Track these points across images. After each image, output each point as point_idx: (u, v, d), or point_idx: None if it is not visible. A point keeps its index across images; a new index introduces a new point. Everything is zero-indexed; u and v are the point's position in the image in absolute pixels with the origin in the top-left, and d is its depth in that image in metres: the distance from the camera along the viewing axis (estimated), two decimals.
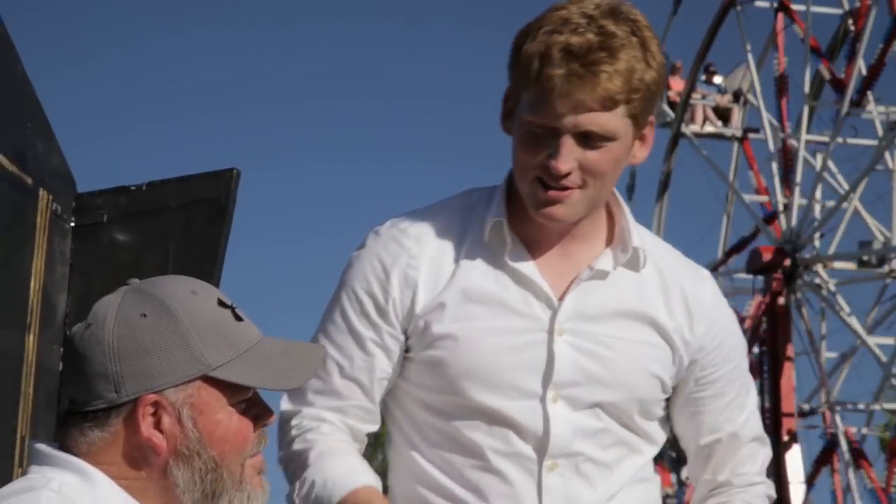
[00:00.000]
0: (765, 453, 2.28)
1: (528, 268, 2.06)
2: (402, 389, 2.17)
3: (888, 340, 17.91)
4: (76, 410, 1.74)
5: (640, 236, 2.15)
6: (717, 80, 18.11)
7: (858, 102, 16.41)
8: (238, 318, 1.74)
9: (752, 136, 18.21)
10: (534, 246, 2.10)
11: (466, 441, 2.09)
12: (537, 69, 1.99)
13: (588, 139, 2.01)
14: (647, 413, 2.13)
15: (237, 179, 2.59)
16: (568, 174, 2.01)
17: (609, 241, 2.13)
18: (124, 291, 1.76)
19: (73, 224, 2.64)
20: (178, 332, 1.71)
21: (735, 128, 18.31)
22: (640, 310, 2.11)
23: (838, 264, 17.24)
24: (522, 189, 2.05)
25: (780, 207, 17.36)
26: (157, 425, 1.68)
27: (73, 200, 2.65)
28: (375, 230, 2.15)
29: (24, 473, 1.78)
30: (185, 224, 2.59)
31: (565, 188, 2.01)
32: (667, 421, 2.23)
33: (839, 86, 16.44)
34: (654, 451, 2.19)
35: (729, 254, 18.80)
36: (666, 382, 2.14)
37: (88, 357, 1.72)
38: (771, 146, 17.73)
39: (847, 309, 17.10)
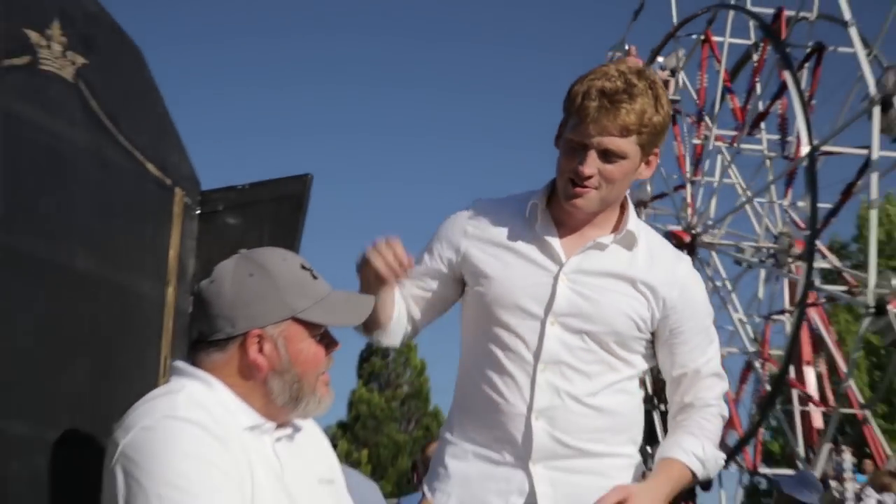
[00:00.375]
0: (721, 385, 2.84)
1: (550, 237, 2.73)
2: (465, 321, 2.85)
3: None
4: (202, 340, 2.18)
5: (637, 226, 2.78)
6: (660, 59, 21.95)
7: (751, 130, 20.31)
8: (314, 277, 2.23)
9: (678, 109, 21.27)
10: (561, 225, 2.77)
11: (491, 350, 2.73)
12: (580, 102, 2.63)
13: (607, 155, 2.66)
14: (624, 345, 2.73)
15: (311, 182, 2.87)
16: (590, 177, 2.68)
17: (615, 230, 2.81)
18: (237, 258, 2.23)
19: (198, 212, 2.92)
20: (275, 287, 2.16)
21: (671, 93, 21.03)
22: (627, 273, 2.74)
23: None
24: (559, 186, 2.74)
25: (688, 179, 21.11)
26: (261, 351, 2.16)
27: (198, 195, 2.92)
28: (468, 205, 2.84)
29: (166, 382, 2.21)
30: (274, 213, 2.86)
31: (587, 187, 2.68)
32: (650, 356, 2.80)
33: (739, 115, 20.37)
34: (632, 372, 2.75)
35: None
36: (640, 325, 2.74)
37: (213, 303, 2.17)
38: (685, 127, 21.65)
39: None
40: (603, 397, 2.71)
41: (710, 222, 21.19)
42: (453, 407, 2.88)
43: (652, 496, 2.64)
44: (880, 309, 15.76)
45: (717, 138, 21.30)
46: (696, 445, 2.75)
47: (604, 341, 2.71)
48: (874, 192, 16.55)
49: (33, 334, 2.32)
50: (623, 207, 2.78)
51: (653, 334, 2.77)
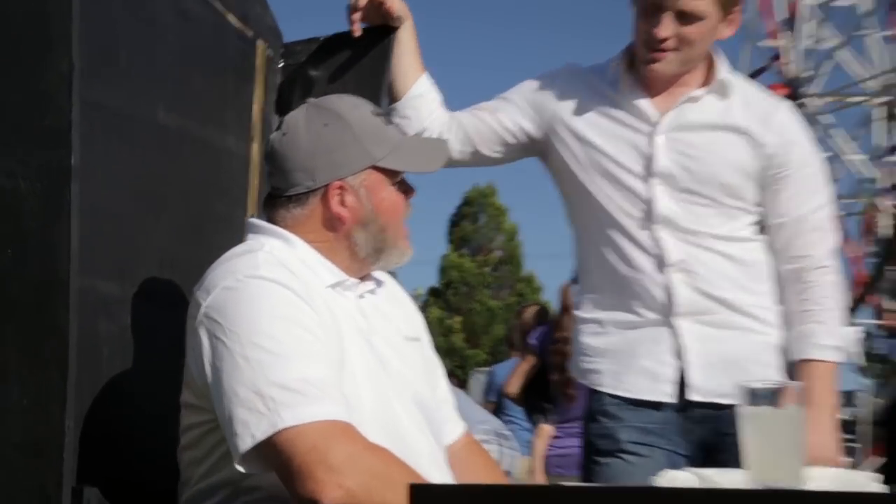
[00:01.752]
0: (831, 240, 2.85)
1: (638, 98, 2.80)
2: (564, 190, 2.94)
3: None
4: (280, 195, 2.20)
5: (729, 74, 2.81)
6: None
7: None
8: (389, 123, 2.26)
9: None
10: (647, 87, 2.83)
11: (604, 216, 2.83)
12: None
13: (684, 16, 2.71)
14: (735, 195, 2.79)
15: (394, 32, 2.84)
16: (665, 40, 2.71)
17: (706, 83, 2.82)
18: (306, 108, 2.22)
19: (281, 64, 2.92)
20: (353, 136, 2.18)
21: None
22: (724, 122, 2.80)
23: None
24: (637, 50, 2.80)
25: (785, 50, 19.74)
26: (342, 203, 2.20)
27: (281, 48, 2.92)
28: (557, 68, 2.95)
29: (243, 240, 2.24)
30: (359, 65, 2.85)
31: (664, 51, 2.72)
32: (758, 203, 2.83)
33: None
34: (751, 219, 2.83)
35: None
36: (747, 171, 2.78)
37: (289, 157, 2.18)
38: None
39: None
40: (730, 245, 2.79)
41: (809, 72, 20.51)
42: (581, 283, 2.97)
43: (823, 432, 2.67)
44: None
45: None
46: (827, 335, 2.77)
47: (713, 195, 2.77)
48: None
49: (118, 191, 2.36)
50: (711, 60, 2.82)
51: (760, 181, 2.82)
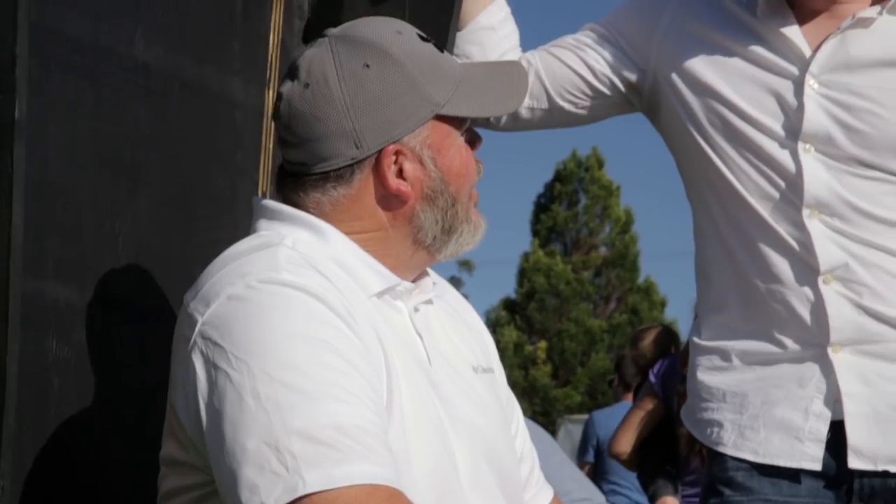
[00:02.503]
0: None
1: (784, 24, 2.78)
2: (681, 159, 2.97)
3: None
4: (308, 172, 2.19)
5: None
6: None
7: None
8: (440, 50, 2.25)
9: None
10: (797, 6, 2.81)
11: (735, 196, 2.84)
12: None
13: None
14: None
15: None
16: None
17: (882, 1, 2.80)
18: (331, 43, 2.21)
19: None
20: (405, 76, 2.18)
21: None
22: None
23: None
24: None
25: None
26: (400, 174, 2.20)
27: None
28: None
29: (253, 231, 2.23)
30: None
31: None
32: None
33: None
34: None
35: None
36: None
37: (321, 118, 2.16)
38: None
39: None
40: None
41: None
42: (699, 294, 2.97)
43: None
44: None
45: None
46: None
47: (891, 165, 2.76)
48: None
49: (78, 155, 2.39)
50: None
51: None
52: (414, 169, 2.21)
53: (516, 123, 2.99)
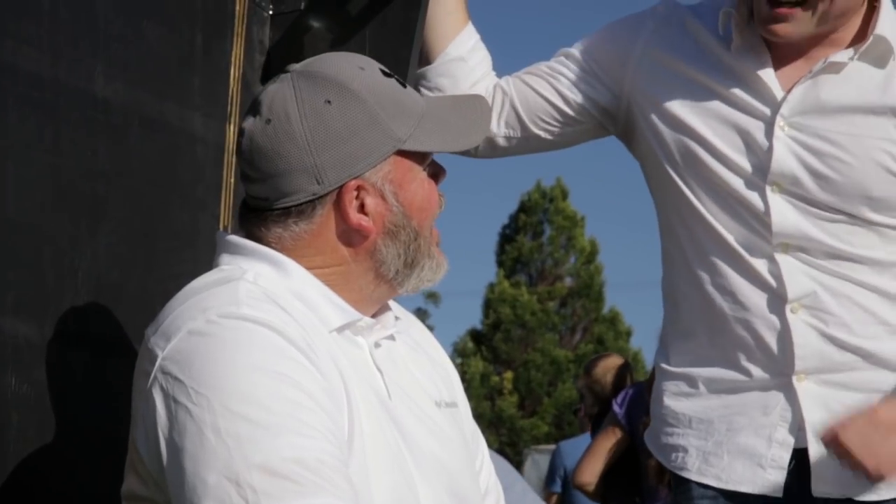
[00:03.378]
0: None
1: (757, 65, 2.77)
2: (654, 188, 2.96)
3: None
4: (270, 207, 2.19)
5: (893, 28, 2.79)
6: None
7: None
8: (403, 85, 2.25)
9: None
10: (772, 46, 2.81)
11: (704, 228, 2.84)
12: None
13: None
14: (887, 209, 2.76)
15: None
16: None
17: (857, 41, 2.81)
18: (293, 79, 2.21)
19: (271, 12, 2.98)
20: (366, 112, 2.18)
21: None
22: (880, 102, 2.75)
23: None
24: (754, 1, 2.77)
25: None
26: (361, 209, 2.20)
27: None
28: (651, 8, 2.95)
29: (216, 265, 2.22)
30: (380, 11, 2.87)
31: (792, 5, 2.71)
32: None
33: None
34: None
35: None
36: None
37: (283, 154, 2.17)
38: None
39: None
40: (883, 275, 2.79)
41: None
42: (666, 320, 2.97)
43: None
44: None
45: None
46: None
47: (855, 211, 2.76)
48: None
49: (36, 191, 2.38)
50: (873, 7, 2.78)
51: None
52: (376, 204, 2.21)
53: (494, 151, 2.99)
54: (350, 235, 2.22)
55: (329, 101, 2.18)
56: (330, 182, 2.19)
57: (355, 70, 2.23)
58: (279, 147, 2.18)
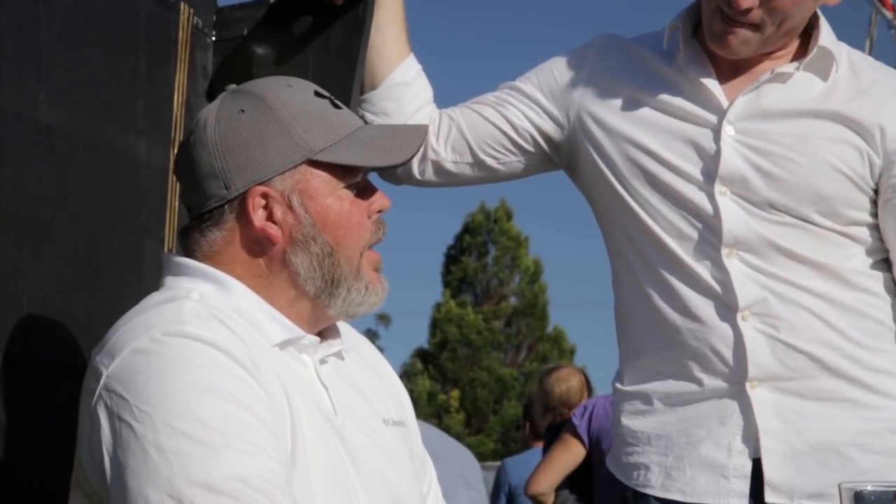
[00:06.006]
0: None
1: (703, 75, 2.82)
2: (599, 207, 2.97)
3: None
4: (192, 216, 2.24)
5: (834, 43, 2.83)
6: None
7: None
8: (337, 107, 2.26)
9: None
10: (717, 59, 2.85)
11: (653, 240, 2.85)
12: None
13: None
14: (836, 214, 2.78)
15: None
16: (748, 11, 2.74)
17: (800, 56, 2.85)
18: (223, 95, 2.27)
19: (213, 38, 3.00)
20: (277, 121, 2.20)
21: None
22: (823, 108, 2.80)
23: None
24: (704, 17, 2.84)
25: None
26: (270, 217, 2.21)
27: (213, 14, 2.99)
28: (588, 42, 2.99)
29: (161, 285, 2.24)
30: (322, 37, 2.89)
31: (741, 24, 2.76)
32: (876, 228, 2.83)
33: None
34: (861, 248, 2.82)
35: None
36: (854, 181, 2.78)
37: (196, 160, 2.22)
38: None
39: None
40: (834, 283, 2.80)
41: None
42: (620, 340, 2.97)
43: None
44: None
45: None
46: None
47: (803, 212, 2.77)
48: None
49: None
50: (812, 23, 2.84)
51: (875, 192, 2.82)
52: (283, 212, 2.22)
53: (440, 177, 3.00)
54: (260, 243, 2.23)
55: (242, 111, 2.22)
56: (236, 187, 2.21)
57: (281, 87, 2.26)
58: (194, 154, 2.23)
